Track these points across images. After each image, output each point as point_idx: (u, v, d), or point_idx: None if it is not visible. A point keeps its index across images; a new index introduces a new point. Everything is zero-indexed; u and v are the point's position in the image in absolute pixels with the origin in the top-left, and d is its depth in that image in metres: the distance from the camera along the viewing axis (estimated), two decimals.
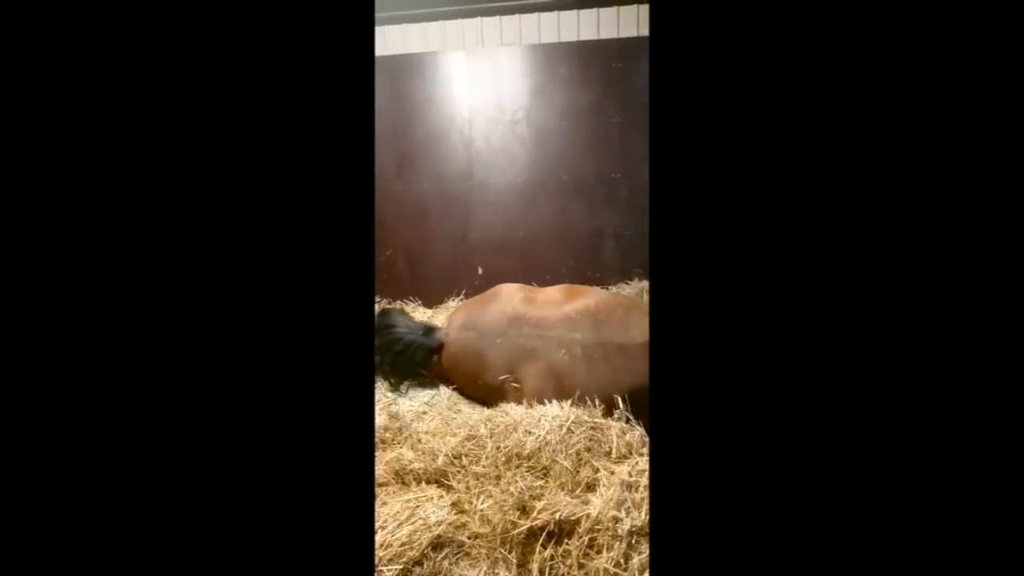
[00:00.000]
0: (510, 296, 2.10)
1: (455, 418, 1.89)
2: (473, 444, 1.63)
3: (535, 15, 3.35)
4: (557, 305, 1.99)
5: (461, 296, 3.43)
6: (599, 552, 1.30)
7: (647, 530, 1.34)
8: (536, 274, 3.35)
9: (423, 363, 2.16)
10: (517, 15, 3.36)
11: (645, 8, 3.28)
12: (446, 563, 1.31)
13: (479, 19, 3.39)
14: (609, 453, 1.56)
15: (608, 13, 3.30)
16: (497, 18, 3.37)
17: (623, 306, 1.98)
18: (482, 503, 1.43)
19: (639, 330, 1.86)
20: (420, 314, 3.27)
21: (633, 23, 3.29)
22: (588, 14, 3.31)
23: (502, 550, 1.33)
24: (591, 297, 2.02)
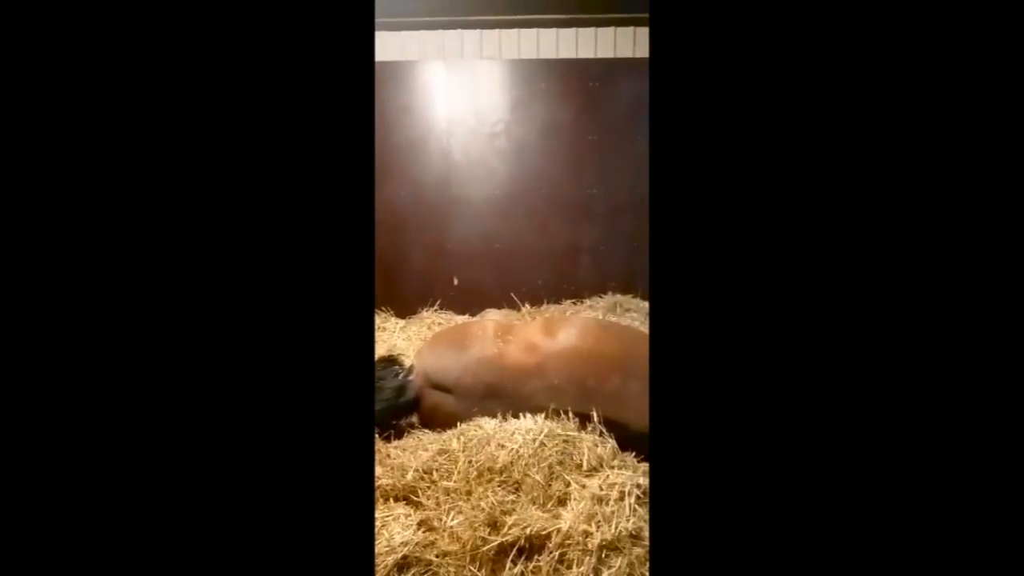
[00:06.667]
0: (481, 350, 1.87)
1: (427, 432, 1.85)
2: (445, 458, 1.60)
3: (515, 31, 3.41)
4: (538, 363, 1.78)
5: (436, 306, 3.39)
6: (569, 567, 1.29)
7: (617, 544, 1.34)
8: (512, 286, 3.35)
9: (402, 418, 2.04)
10: (497, 30, 3.41)
11: (622, 30, 3.39)
12: None
13: (459, 31, 3.42)
14: (580, 466, 1.56)
15: (586, 33, 3.39)
16: (477, 32, 3.41)
17: (616, 366, 1.76)
18: (452, 519, 1.40)
19: (635, 409, 1.67)
20: (392, 324, 3.22)
21: (610, 44, 3.38)
22: (567, 33, 3.40)
23: (471, 568, 1.30)
24: (578, 351, 1.79)
